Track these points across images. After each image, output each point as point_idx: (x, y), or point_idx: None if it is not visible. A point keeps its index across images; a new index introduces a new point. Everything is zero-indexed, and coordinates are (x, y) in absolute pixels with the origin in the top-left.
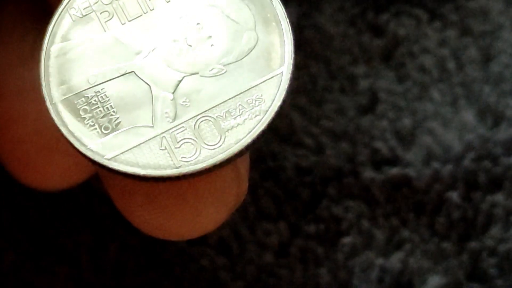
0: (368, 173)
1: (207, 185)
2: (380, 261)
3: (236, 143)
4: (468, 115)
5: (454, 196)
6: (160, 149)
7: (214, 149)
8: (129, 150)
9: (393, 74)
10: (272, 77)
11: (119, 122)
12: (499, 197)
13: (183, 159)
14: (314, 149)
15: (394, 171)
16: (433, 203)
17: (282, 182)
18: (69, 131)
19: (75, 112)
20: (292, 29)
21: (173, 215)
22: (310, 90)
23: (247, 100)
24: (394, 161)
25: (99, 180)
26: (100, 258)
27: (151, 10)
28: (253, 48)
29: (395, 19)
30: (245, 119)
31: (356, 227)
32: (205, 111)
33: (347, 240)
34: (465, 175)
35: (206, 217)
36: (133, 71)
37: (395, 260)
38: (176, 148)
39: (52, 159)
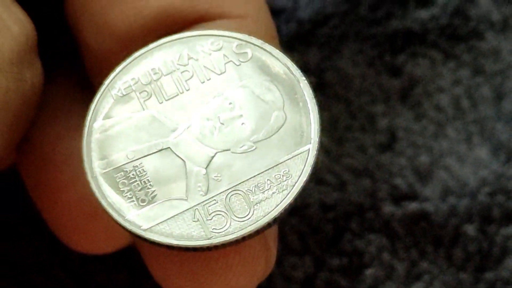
0: (388, 208)
1: (237, 256)
2: None
3: (264, 216)
4: (482, 152)
5: (470, 229)
6: (193, 221)
7: (243, 221)
8: (164, 222)
9: (410, 113)
10: (299, 154)
11: (155, 195)
12: None
13: (214, 231)
14: (336, 186)
15: (413, 206)
16: (450, 236)
17: (307, 218)
18: (109, 203)
19: (115, 185)
20: (318, 109)
21: (204, 283)
22: (331, 130)
23: (275, 176)
24: (412, 196)
25: None
26: None
27: (187, 90)
28: (281, 127)
29: (411, 60)
30: (273, 193)
31: (377, 259)
32: (236, 185)
33: (369, 272)
34: (480, 209)
35: (236, 285)
36: (169, 147)
37: None
38: (208, 220)
39: (98, 224)
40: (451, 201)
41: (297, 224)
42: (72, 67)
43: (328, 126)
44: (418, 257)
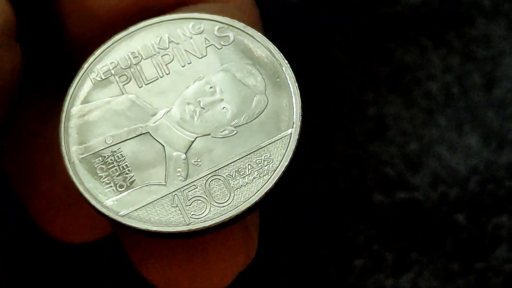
0: (377, 197)
1: (217, 243)
2: (390, 282)
3: (244, 201)
4: (473, 140)
5: (460, 218)
6: (172, 207)
7: (223, 206)
8: (143, 207)
9: (400, 101)
10: (281, 138)
11: (134, 181)
12: (503, 219)
13: (194, 216)
14: (325, 175)
15: (403, 194)
16: (440, 225)
17: (295, 206)
18: (86, 188)
19: (92, 170)
20: (300, 93)
21: (184, 270)
22: (320, 118)
23: (256, 160)
24: (402, 185)
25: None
26: None
27: (167, 74)
28: (262, 111)
29: (401, 46)
30: (254, 178)
31: (366, 249)
32: (216, 170)
33: (358, 262)
34: (470, 197)
35: (216, 274)
36: (148, 132)
37: (404, 281)
38: (187, 205)
39: (78, 212)
40: (441, 190)
41: (285, 213)
42: (54, 54)
43: (316, 114)
44: (408, 246)
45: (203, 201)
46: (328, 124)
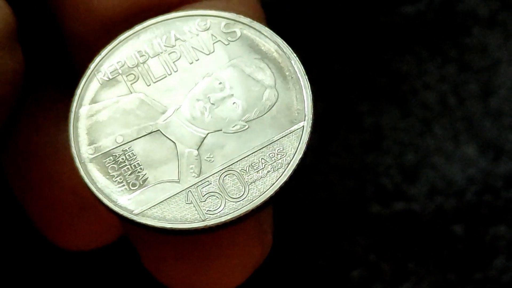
0: (374, 208)
1: (231, 240)
2: None
3: (259, 195)
4: (470, 149)
5: (457, 228)
6: (186, 203)
7: (238, 201)
8: (157, 205)
9: (397, 111)
10: (293, 131)
11: (146, 179)
12: (501, 229)
13: (209, 212)
14: (322, 186)
15: (400, 205)
16: (437, 236)
17: (293, 218)
18: (98, 188)
19: (104, 170)
20: (310, 86)
21: (199, 267)
22: (317, 128)
23: (269, 154)
24: (399, 196)
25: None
26: None
27: (175, 71)
28: (273, 105)
29: (397, 56)
30: (268, 172)
31: (364, 260)
32: (229, 165)
33: (355, 273)
34: (468, 208)
35: (231, 270)
36: (158, 130)
37: None
38: (201, 201)
39: (83, 218)
40: (438, 201)
41: (282, 224)
42: (56, 56)
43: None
44: (405, 257)
45: (217, 197)
46: (325, 134)
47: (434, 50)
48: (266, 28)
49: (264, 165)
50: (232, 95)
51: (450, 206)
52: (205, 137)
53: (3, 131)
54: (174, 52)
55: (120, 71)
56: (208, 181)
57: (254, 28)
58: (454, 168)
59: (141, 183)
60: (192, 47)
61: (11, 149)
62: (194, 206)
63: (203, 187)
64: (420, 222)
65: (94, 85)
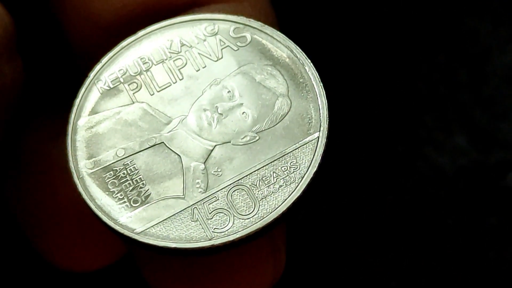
0: (370, 201)
1: (242, 260)
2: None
3: (271, 212)
4: (461, 139)
5: (449, 220)
6: (192, 221)
7: (248, 218)
8: (160, 223)
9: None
10: (307, 142)
11: (149, 195)
12: (493, 220)
13: (216, 230)
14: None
15: (391, 197)
16: (429, 227)
17: (308, 235)
18: (97, 205)
19: (104, 186)
20: (326, 94)
21: None
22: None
23: (281, 167)
24: (389, 187)
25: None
26: None
27: (180, 79)
28: (286, 114)
29: (389, 43)
30: (280, 186)
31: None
32: (238, 180)
33: None
34: (459, 198)
35: None
36: (162, 142)
37: None
38: (208, 219)
39: (83, 239)
40: (429, 191)
41: (297, 241)
42: (58, 65)
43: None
44: (401, 251)
45: (225, 214)
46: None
47: (426, 38)
48: (278, 33)
49: (276, 179)
50: (242, 104)
51: (441, 196)
52: (213, 149)
53: (2, 142)
54: (179, 58)
55: (121, 80)
56: (215, 197)
57: (266, 33)
58: (445, 158)
59: (143, 200)
60: (198, 53)
61: (9, 165)
62: (200, 224)
63: (210, 204)
64: (411, 213)
65: (94, 95)
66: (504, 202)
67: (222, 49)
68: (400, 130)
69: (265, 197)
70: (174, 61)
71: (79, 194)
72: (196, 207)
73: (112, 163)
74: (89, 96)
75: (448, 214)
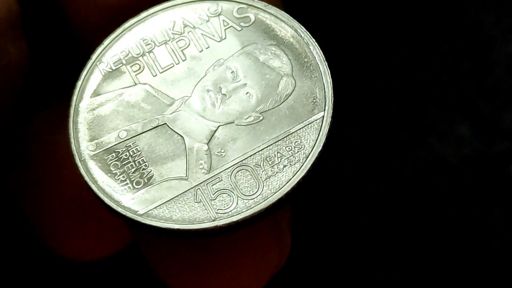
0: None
1: (245, 242)
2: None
3: (275, 192)
4: (464, 129)
5: (452, 210)
6: (195, 202)
7: (252, 199)
8: (163, 205)
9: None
10: (312, 122)
11: (152, 176)
12: (496, 210)
13: (220, 211)
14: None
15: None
16: (432, 218)
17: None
18: (100, 187)
19: (106, 168)
20: (331, 73)
21: (212, 274)
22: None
23: (285, 147)
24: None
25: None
26: None
27: (183, 60)
28: (290, 94)
29: (393, 34)
30: (284, 166)
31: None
32: (242, 160)
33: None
34: (462, 188)
35: (247, 276)
36: (165, 123)
37: None
38: (211, 200)
39: (87, 227)
40: (432, 181)
41: (302, 226)
42: (62, 49)
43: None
44: (404, 239)
45: (229, 194)
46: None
47: (429, 28)
48: (283, 12)
49: (280, 160)
50: (245, 84)
51: (444, 186)
52: (216, 130)
53: (7, 126)
54: (182, 39)
55: (124, 61)
56: (219, 177)
57: (270, 13)
58: (449, 148)
59: (146, 181)
60: (202, 34)
61: (10, 152)
62: (203, 205)
63: (213, 184)
64: (415, 203)
65: (96, 77)
66: (507, 192)
67: (225, 29)
68: (403, 120)
69: (269, 177)
70: (177, 42)
71: (81, 177)
72: (199, 188)
73: (115, 145)
74: (91, 78)
75: (451, 204)
